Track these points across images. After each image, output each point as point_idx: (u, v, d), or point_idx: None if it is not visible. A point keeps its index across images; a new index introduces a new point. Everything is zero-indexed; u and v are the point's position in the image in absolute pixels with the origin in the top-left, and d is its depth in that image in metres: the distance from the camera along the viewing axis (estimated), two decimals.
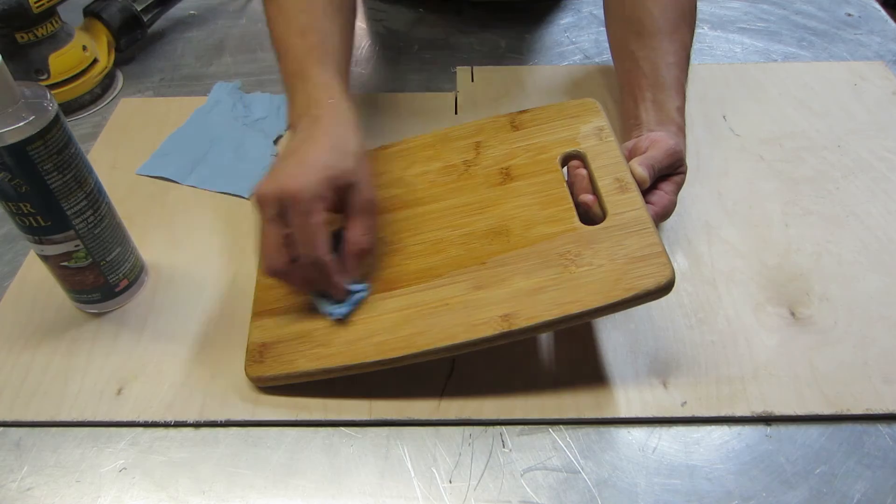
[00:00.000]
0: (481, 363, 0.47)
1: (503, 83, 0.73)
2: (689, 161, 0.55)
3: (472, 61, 0.76)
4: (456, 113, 0.69)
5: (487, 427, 0.45)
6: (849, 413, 0.45)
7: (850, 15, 0.84)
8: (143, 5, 0.79)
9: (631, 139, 0.54)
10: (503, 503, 0.41)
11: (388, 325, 0.45)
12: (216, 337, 0.50)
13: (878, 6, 0.85)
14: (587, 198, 0.47)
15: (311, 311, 0.47)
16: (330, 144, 0.46)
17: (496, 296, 0.44)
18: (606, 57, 0.74)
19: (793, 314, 0.50)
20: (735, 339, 0.49)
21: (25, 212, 0.44)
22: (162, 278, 0.55)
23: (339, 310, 0.46)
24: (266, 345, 0.47)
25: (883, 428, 0.44)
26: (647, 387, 0.46)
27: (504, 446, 0.44)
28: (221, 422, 0.46)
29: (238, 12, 0.89)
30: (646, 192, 0.49)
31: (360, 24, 0.86)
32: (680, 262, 0.54)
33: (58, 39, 0.70)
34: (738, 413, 0.45)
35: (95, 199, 0.47)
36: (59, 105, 0.44)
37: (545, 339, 0.49)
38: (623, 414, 0.45)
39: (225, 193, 0.62)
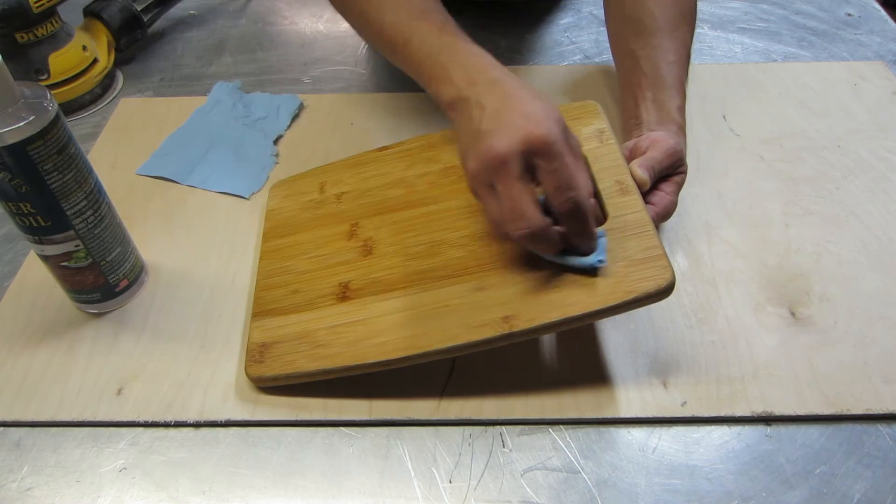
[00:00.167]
0: (481, 363, 0.47)
1: None
2: (689, 161, 0.55)
3: None
4: None
5: (487, 427, 0.45)
6: (849, 413, 0.45)
7: (850, 15, 0.84)
8: (143, 5, 0.79)
9: (631, 139, 0.54)
10: (503, 503, 0.41)
11: (388, 326, 0.45)
12: (216, 337, 0.50)
13: (878, 6, 0.85)
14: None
15: (315, 311, 0.47)
16: (535, 95, 0.43)
17: (497, 297, 0.44)
18: (606, 57, 0.74)
19: (793, 314, 0.50)
20: (735, 339, 0.49)
21: (25, 212, 0.44)
22: (162, 278, 0.55)
23: (596, 258, 0.42)
24: (266, 345, 0.47)
25: (883, 428, 0.44)
26: (647, 387, 0.46)
27: (504, 446, 0.44)
28: (221, 422, 0.46)
29: (238, 12, 0.89)
30: (646, 192, 0.49)
31: None
32: (680, 263, 0.54)
33: (58, 39, 0.70)
34: (738, 413, 0.45)
35: (95, 199, 0.47)
36: (59, 105, 0.44)
37: (546, 339, 0.49)
38: (623, 414, 0.45)
39: (225, 193, 0.62)
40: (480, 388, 0.46)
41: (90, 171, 0.47)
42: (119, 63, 0.79)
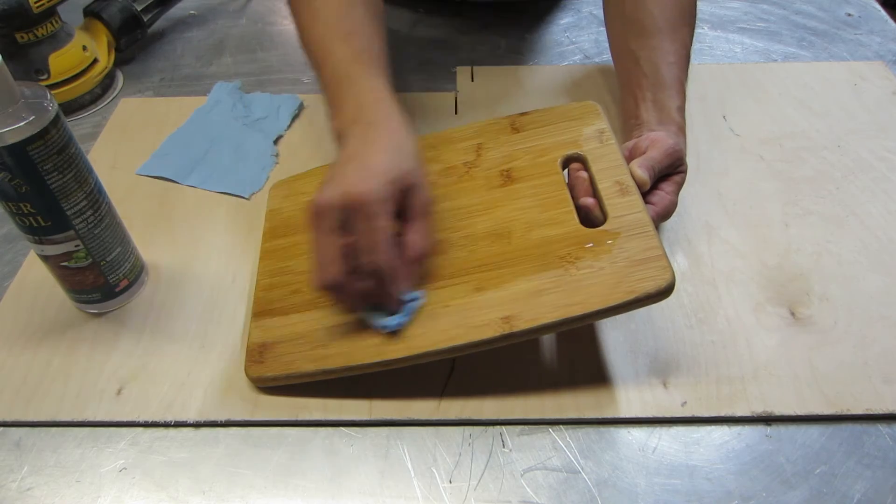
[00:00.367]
0: (481, 363, 0.47)
1: (503, 83, 0.73)
2: (689, 161, 0.55)
3: (472, 61, 0.76)
4: (456, 113, 0.69)
5: (487, 427, 0.45)
6: (849, 413, 0.45)
7: (850, 15, 0.84)
8: (143, 5, 0.79)
9: (631, 139, 0.54)
10: (503, 503, 0.41)
11: None
12: (216, 337, 0.50)
13: (878, 6, 0.85)
14: (588, 201, 0.47)
15: (315, 311, 0.47)
16: (390, 147, 0.45)
17: (497, 298, 0.44)
18: (606, 57, 0.74)
19: (793, 314, 0.50)
20: (735, 339, 0.49)
21: (25, 212, 0.44)
22: (162, 278, 0.55)
23: (395, 321, 0.44)
24: (266, 345, 0.47)
25: (883, 428, 0.44)
26: (647, 387, 0.46)
27: (504, 446, 0.44)
28: (221, 422, 0.46)
29: (238, 12, 0.89)
30: (646, 192, 0.49)
31: None
32: (680, 263, 0.54)
33: (58, 39, 0.70)
34: (738, 413, 0.45)
35: (95, 199, 0.47)
36: (59, 105, 0.44)
37: (546, 339, 0.49)
38: (623, 414, 0.45)
39: (225, 193, 0.62)
40: (480, 388, 0.46)
41: (90, 171, 0.47)
42: (119, 63, 0.79)
